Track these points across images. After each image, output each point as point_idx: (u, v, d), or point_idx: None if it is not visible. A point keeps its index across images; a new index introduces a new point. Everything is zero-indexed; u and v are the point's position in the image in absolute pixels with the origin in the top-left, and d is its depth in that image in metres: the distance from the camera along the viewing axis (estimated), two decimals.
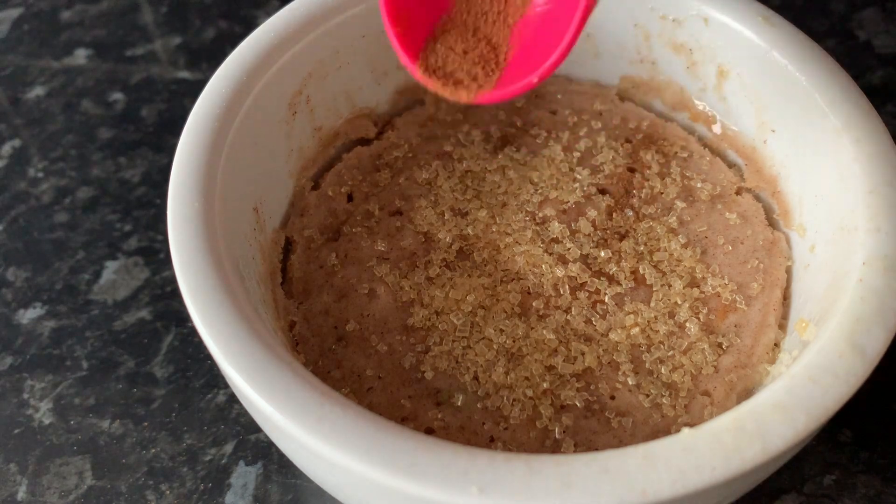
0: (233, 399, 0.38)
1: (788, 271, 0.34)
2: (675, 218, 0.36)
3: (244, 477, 0.36)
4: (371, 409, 0.27)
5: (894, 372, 0.35)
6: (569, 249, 0.35)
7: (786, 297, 0.34)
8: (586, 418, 0.31)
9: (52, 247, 0.45)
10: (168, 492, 0.36)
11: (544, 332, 0.32)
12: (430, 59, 0.28)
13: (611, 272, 0.34)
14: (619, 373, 0.32)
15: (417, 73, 0.28)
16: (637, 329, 0.32)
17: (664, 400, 0.31)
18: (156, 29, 0.56)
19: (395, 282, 0.34)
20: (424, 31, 0.29)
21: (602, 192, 0.37)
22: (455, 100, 0.28)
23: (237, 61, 0.34)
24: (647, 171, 0.38)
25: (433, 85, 0.28)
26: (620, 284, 0.34)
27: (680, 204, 0.36)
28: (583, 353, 0.32)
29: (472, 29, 0.29)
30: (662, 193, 0.37)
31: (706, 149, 0.39)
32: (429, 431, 0.30)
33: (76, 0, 0.58)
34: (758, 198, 0.37)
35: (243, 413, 0.38)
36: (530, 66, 0.27)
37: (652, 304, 0.33)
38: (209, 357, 0.39)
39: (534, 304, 0.33)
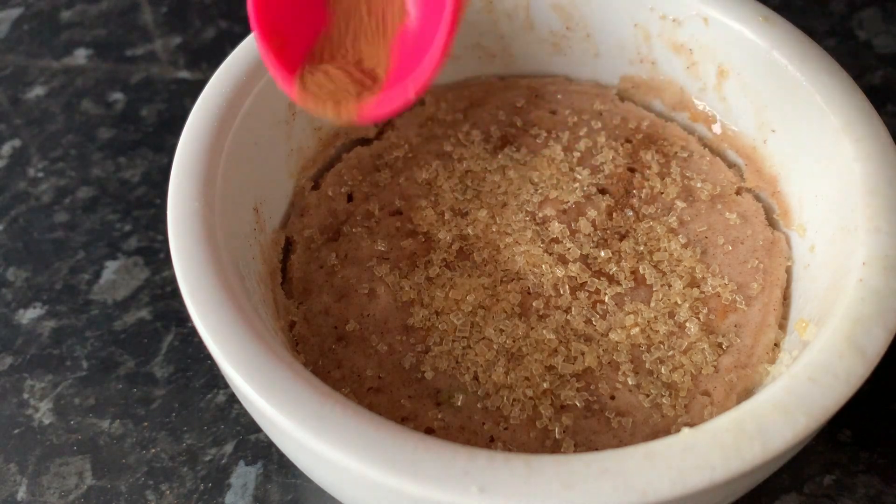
0: (233, 399, 0.38)
1: (788, 271, 0.34)
2: (675, 218, 0.36)
3: (244, 477, 0.36)
4: (371, 409, 0.27)
5: (894, 372, 0.35)
6: (569, 249, 0.35)
7: (786, 297, 0.34)
8: (586, 418, 0.31)
9: (52, 247, 0.45)
10: (168, 492, 0.36)
11: (544, 332, 0.32)
12: (308, 79, 0.27)
13: (611, 272, 0.34)
14: (619, 373, 0.32)
15: (294, 94, 0.27)
16: (637, 329, 0.32)
17: (664, 400, 0.31)
18: (156, 29, 0.56)
19: (395, 282, 0.34)
20: (302, 50, 0.28)
21: (602, 192, 0.37)
22: (336, 120, 0.27)
23: (237, 61, 0.34)
24: (647, 171, 0.38)
25: (311, 106, 0.27)
26: (620, 284, 0.34)
27: (680, 204, 0.36)
28: (583, 353, 0.32)
29: (350, 47, 0.28)
30: (662, 193, 0.37)
31: (706, 149, 0.39)
32: (429, 431, 0.30)
33: (76, 0, 0.58)
34: (758, 198, 0.37)
35: (243, 413, 0.38)
36: (407, 77, 0.27)
37: (652, 304, 0.33)
38: (209, 357, 0.39)
39: (534, 304, 0.33)
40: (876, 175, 0.30)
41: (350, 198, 0.38)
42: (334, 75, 0.27)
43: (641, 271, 0.34)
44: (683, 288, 0.34)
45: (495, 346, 0.32)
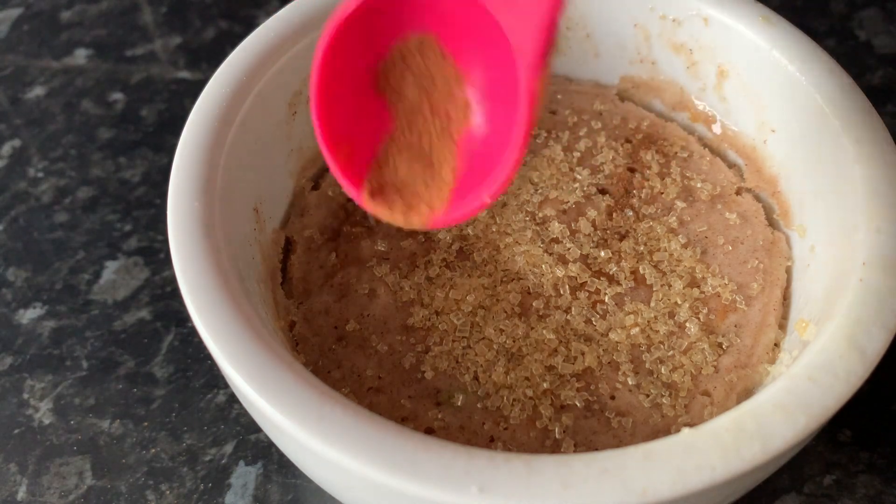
0: (233, 399, 0.38)
1: (788, 271, 0.34)
2: (675, 218, 0.36)
3: (244, 477, 0.36)
4: (371, 409, 0.27)
5: (894, 372, 0.35)
6: (569, 249, 0.35)
7: (786, 297, 0.34)
8: (586, 418, 0.31)
9: (52, 247, 0.45)
10: (168, 492, 0.36)
11: (544, 332, 0.32)
12: (375, 184, 0.27)
13: (611, 272, 0.34)
14: (619, 373, 0.32)
15: (363, 201, 0.27)
16: (637, 329, 0.32)
17: (664, 400, 0.31)
18: (156, 29, 0.56)
19: (395, 282, 0.34)
20: (367, 155, 0.27)
21: (602, 192, 0.37)
22: (408, 226, 0.27)
23: (237, 61, 0.34)
24: (647, 171, 0.38)
25: (381, 212, 0.27)
26: (620, 284, 0.34)
27: (680, 204, 0.36)
28: (583, 353, 0.32)
29: (416, 149, 0.28)
30: (662, 193, 0.37)
31: (706, 149, 0.39)
32: (429, 431, 0.30)
33: (76, 0, 0.58)
34: (758, 198, 0.37)
35: (243, 413, 0.38)
36: (479, 180, 0.26)
37: (652, 304, 0.33)
38: (209, 357, 0.39)
39: (534, 304, 0.33)
40: (876, 175, 0.30)
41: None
42: (401, 179, 0.27)
43: (641, 271, 0.34)
44: (683, 288, 0.34)
45: (495, 346, 0.32)
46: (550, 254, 0.35)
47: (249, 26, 0.49)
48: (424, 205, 0.27)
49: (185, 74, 0.53)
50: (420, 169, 0.27)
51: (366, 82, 0.27)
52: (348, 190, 0.27)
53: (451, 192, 0.27)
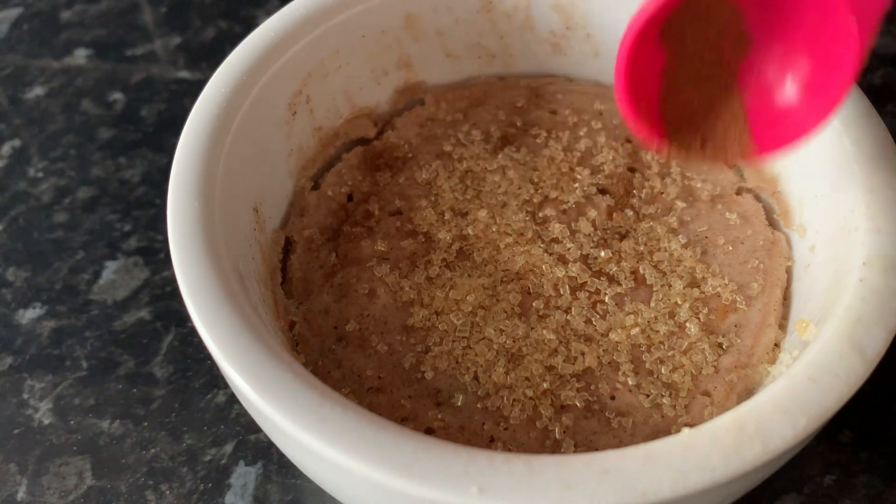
0: (233, 399, 0.38)
1: (788, 271, 0.34)
2: (675, 218, 0.36)
3: (244, 477, 0.36)
4: (371, 409, 0.27)
5: (894, 372, 0.35)
6: (569, 249, 0.35)
7: (786, 297, 0.34)
8: (586, 418, 0.31)
9: (52, 247, 0.45)
10: (168, 492, 0.36)
11: (544, 332, 0.32)
12: (673, 131, 0.28)
13: (611, 272, 0.34)
14: (619, 373, 0.32)
15: (670, 150, 0.28)
16: (637, 329, 0.32)
17: (664, 400, 0.31)
18: (156, 29, 0.56)
19: (395, 282, 0.34)
20: (656, 106, 0.28)
21: (602, 192, 0.37)
22: (719, 163, 0.28)
23: (237, 61, 0.34)
24: (647, 171, 0.38)
25: (690, 156, 0.28)
26: (620, 284, 0.34)
27: (680, 204, 0.36)
28: (583, 353, 0.32)
29: (700, 89, 0.28)
30: (663, 193, 0.37)
31: None
32: (429, 431, 0.30)
33: (76, 0, 0.58)
34: (758, 198, 0.37)
35: (243, 413, 0.38)
36: (778, 108, 0.27)
37: (652, 304, 0.33)
38: (209, 357, 0.39)
39: (534, 304, 0.33)
40: (876, 175, 0.30)
41: (350, 198, 0.38)
42: (696, 122, 0.28)
43: (641, 271, 0.34)
44: (683, 288, 0.34)
45: (495, 346, 0.32)
46: (550, 254, 0.35)
47: (249, 26, 0.49)
48: (730, 141, 0.28)
49: (185, 74, 0.53)
50: (708, 107, 0.28)
51: (653, 36, 0.28)
52: (652, 142, 0.28)
53: (748, 122, 0.28)
